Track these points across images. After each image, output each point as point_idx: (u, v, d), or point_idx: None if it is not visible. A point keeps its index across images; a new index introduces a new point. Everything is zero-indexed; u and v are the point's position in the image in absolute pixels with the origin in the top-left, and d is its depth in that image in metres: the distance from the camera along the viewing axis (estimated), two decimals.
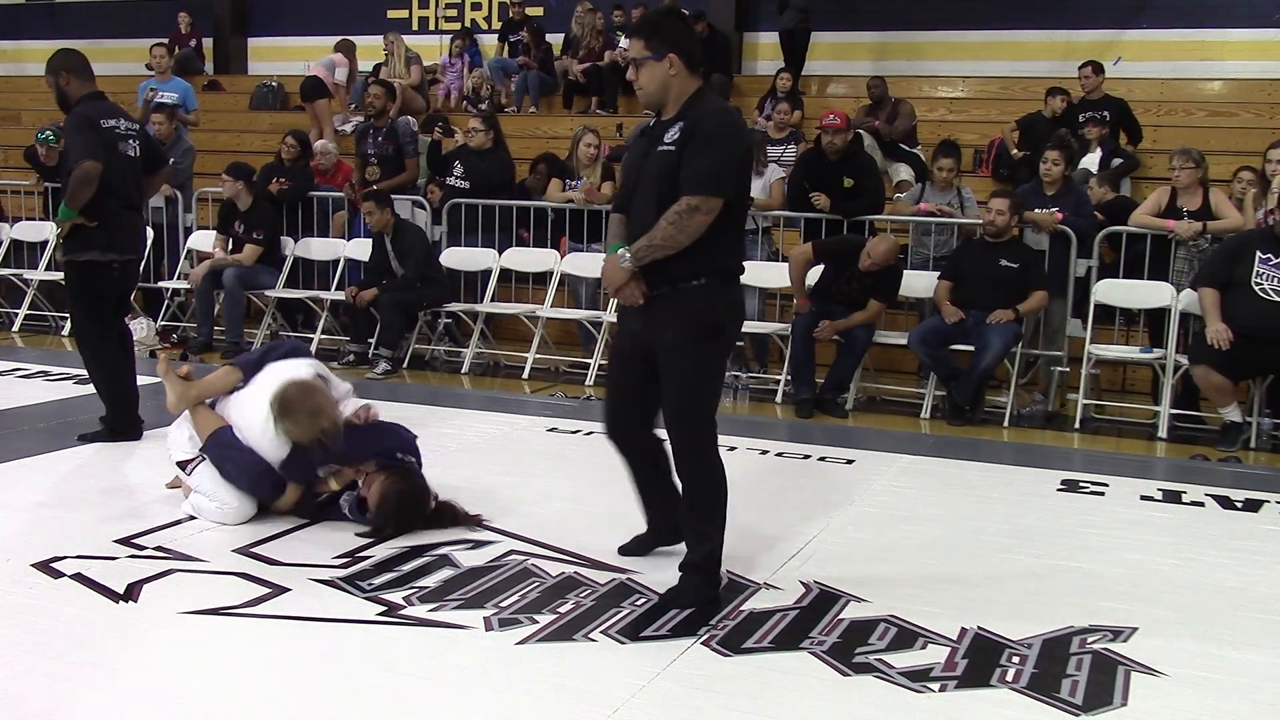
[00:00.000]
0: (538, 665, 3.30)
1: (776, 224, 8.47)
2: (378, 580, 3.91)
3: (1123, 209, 7.76)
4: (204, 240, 9.40)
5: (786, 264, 7.66)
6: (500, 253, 8.67)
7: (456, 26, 14.48)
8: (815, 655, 3.41)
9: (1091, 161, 9.20)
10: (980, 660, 3.41)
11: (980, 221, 7.30)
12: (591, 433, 5.91)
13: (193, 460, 4.51)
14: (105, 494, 4.85)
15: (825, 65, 12.89)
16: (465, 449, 5.81)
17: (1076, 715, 3.09)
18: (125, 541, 4.19)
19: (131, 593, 3.73)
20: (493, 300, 8.68)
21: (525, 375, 8.10)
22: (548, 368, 8.38)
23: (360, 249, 8.77)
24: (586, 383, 7.82)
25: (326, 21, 14.59)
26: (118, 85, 10.35)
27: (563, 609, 3.69)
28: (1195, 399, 7.05)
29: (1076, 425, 7.00)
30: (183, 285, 9.38)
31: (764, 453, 5.91)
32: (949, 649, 3.47)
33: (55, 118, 9.51)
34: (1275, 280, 6.43)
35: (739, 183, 3.72)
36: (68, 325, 8.74)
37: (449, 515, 4.49)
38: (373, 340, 8.17)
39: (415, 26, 14.98)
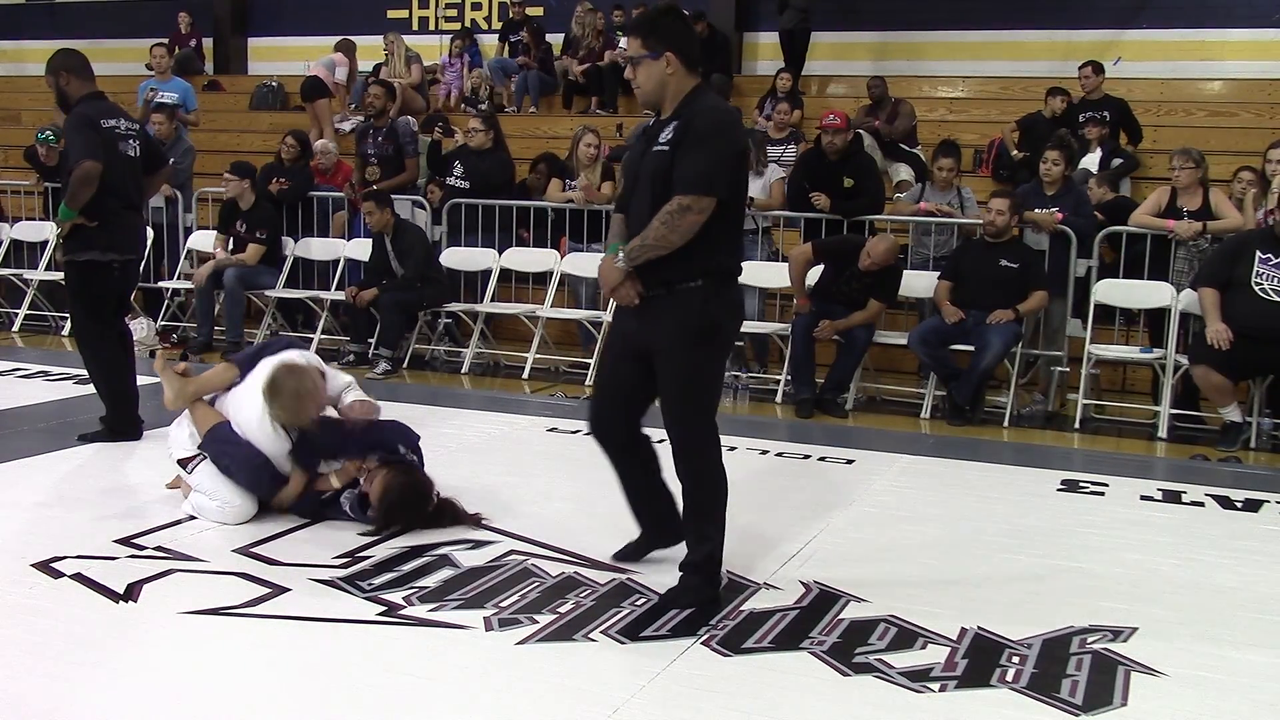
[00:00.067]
0: (538, 665, 3.30)
1: (776, 224, 8.47)
2: (378, 580, 3.91)
3: (1123, 209, 7.76)
4: (204, 240, 9.40)
5: (786, 264, 7.66)
6: (500, 253, 8.67)
7: (456, 26, 14.48)
8: (815, 655, 3.41)
9: (1091, 161, 9.19)
10: (980, 660, 3.41)
11: (980, 221, 7.30)
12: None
13: (193, 459, 4.51)
14: (105, 494, 4.85)
15: (825, 65, 12.89)
16: (465, 449, 5.81)
17: (1076, 715, 3.09)
18: (125, 541, 4.20)
19: (131, 593, 3.73)
20: (493, 300, 8.68)
21: (525, 375, 8.10)
22: (548, 368, 8.38)
23: (360, 249, 8.77)
24: (586, 383, 7.82)
25: (326, 21, 14.59)
26: (118, 85, 10.35)
27: (563, 609, 3.69)
28: (1195, 399, 7.05)
29: (1076, 425, 7.00)
30: (183, 285, 9.38)
31: (764, 453, 5.91)
32: (949, 649, 3.47)
33: (55, 118, 9.53)
34: (1275, 280, 6.43)
35: (733, 182, 3.66)
36: (68, 325, 8.74)
37: (449, 514, 4.50)
38: (373, 340, 8.17)
39: (415, 26, 14.98)
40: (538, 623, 3.58)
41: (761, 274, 7.87)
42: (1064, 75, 10.60)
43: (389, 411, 5.21)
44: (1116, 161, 9.31)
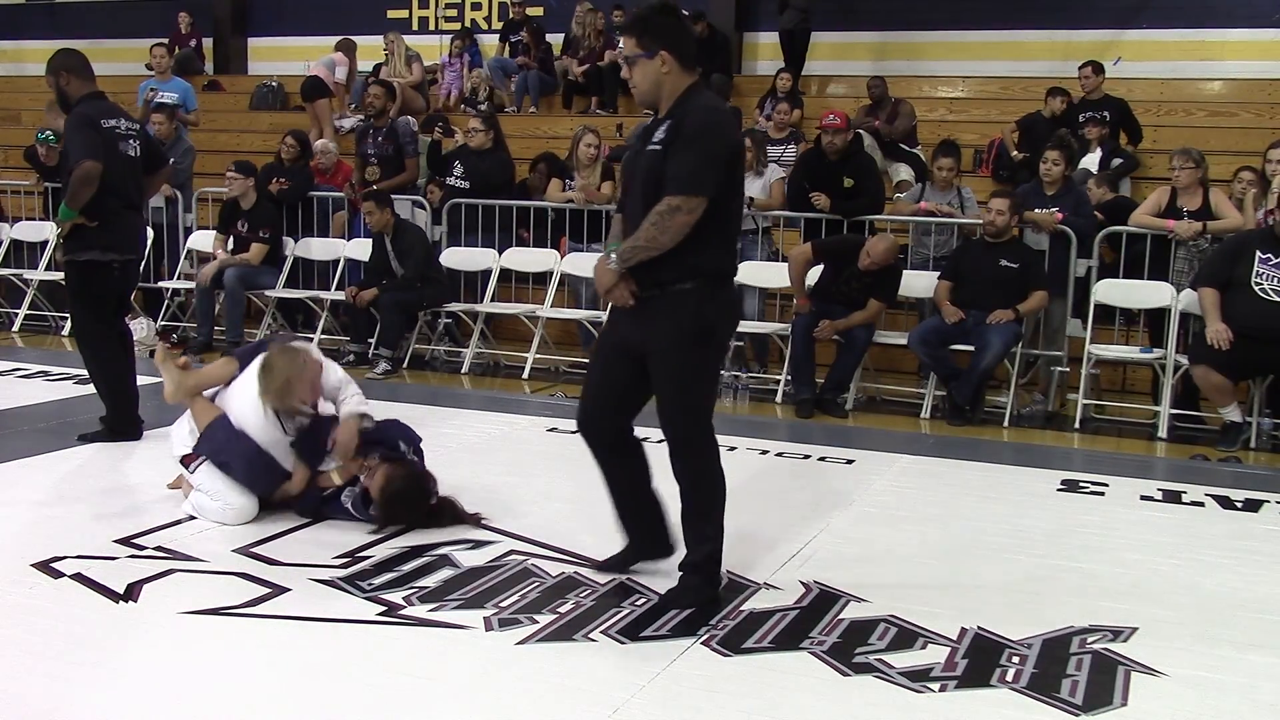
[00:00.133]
0: (538, 665, 3.30)
1: (776, 224, 8.47)
2: (378, 580, 3.91)
3: (1123, 209, 7.76)
4: (204, 240, 9.40)
5: (786, 264, 7.66)
6: (500, 253, 8.67)
7: (456, 26, 14.48)
8: (815, 655, 3.41)
9: (1091, 161, 9.19)
10: (980, 660, 3.41)
11: (980, 221, 7.30)
12: None
13: (196, 458, 4.51)
14: (105, 494, 4.85)
15: (825, 65, 12.88)
16: (465, 449, 5.81)
17: (1076, 715, 3.09)
18: (125, 541, 4.20)
19: (131, 593, 3.73)
20: (493, 300, 8.68)
21: (525, 375, 8.10)
22: (548, 368, 8.38)
23: (360, 249, 8.77)
24: None
25: (326, 21, 14.58)
26: (118, 85, 10.34)
27: (563, 609, 3.69)
28: (1195, 399, 7.05)
29: (1076, 425, 7.00)
30: (183, 285, 9.39)
31: (764, 453, 5.91)
32: (949, 649, 3.47)
33: (47, 119, 9.54)
34: (1275, 280, 6.43)
35: (725, 182, 3.58)
36: (68, 325, 8.74)
37: (449, 512, 4.50)
38: (373, 340, 8.17)
39: (415, 26, 14.97)
40: (538, 623, 3.58)
41: (761, 274, 7.88)
42: (1064, 75, 10.60)
43: (389, 412, 5.22)
44: (1116, 161, 9.31)
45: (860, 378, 7.48)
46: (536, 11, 14.05)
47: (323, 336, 8.76)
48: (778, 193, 8.19)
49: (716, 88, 11.33)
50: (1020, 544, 4.54)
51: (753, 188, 8.10)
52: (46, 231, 9.57)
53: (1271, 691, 3.29)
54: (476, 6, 14.99)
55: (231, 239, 8.96)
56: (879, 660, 3.38)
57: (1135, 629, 3.66)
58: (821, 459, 5.83)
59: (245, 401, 4.47)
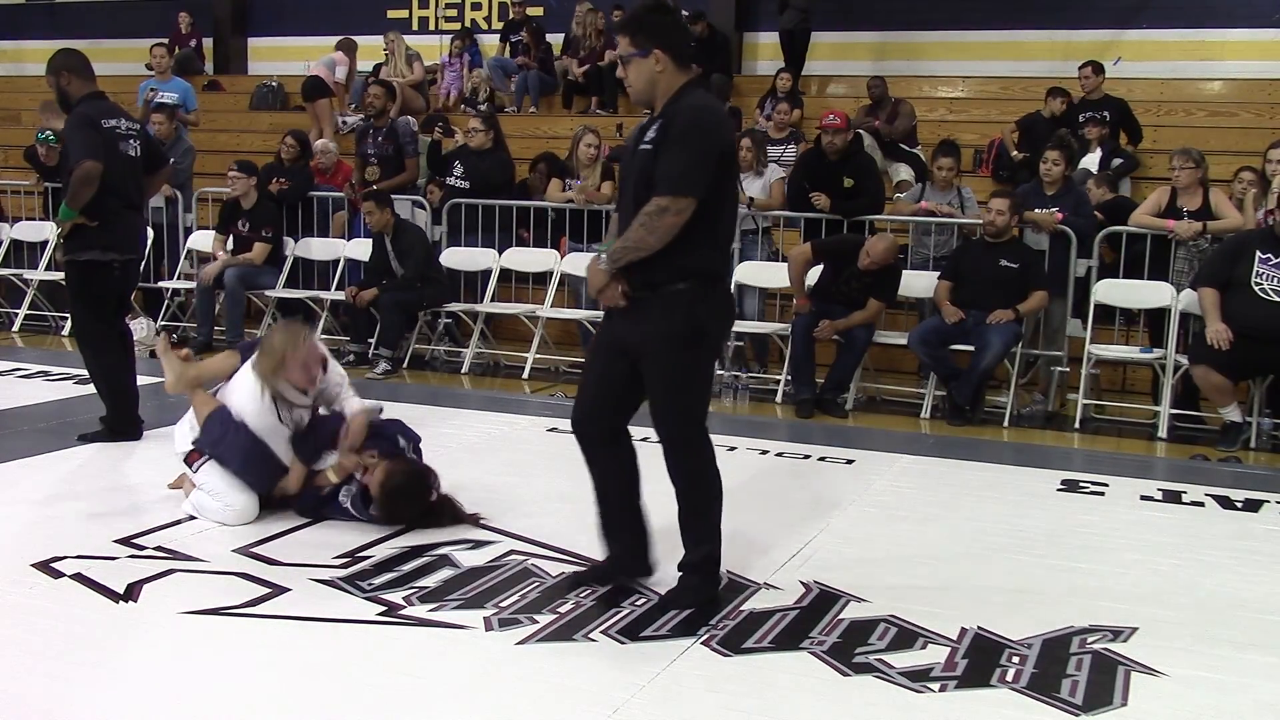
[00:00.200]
0: (538, 665, 3.30)
1: (776, 224, 8.47)
2: (378, 580, 3.91)
3: (1123, 209, 7.76)
4: (204, 240, 9.40)
5: (786, 264, 7.66)
6: (500, 253, 8.67)
7: (456, 26, 14.47)
8: (815, 655, 3.41)
9: (1091, 161, 9.19)
10: (980, 660, 3.41)
11: (980, 221, 7.30)
12: None
13: (199, 457, 4.50)
14: (105, 494, 4.85)
15: (825, 65, 12.88)
16: (465, 449, 5.81)
17: (1076, 715, 3.09)
18: (125, 541, 4.20)
19: (131, 593, 3.73)
20: (493, 300, 8.68)
21: (525, 375, 8.10)
22: (548, 368, 8.38)
23: (360, 249, 8.78)
24: None
25: (326, 21, 14.58)
26: (118, 85, 10.34)
27: (563, 609, 3.69)
28: (1195, 399, 7.05)
29: (1076, 425, 7.00)
30: (183, 285, 9.39)
31: (764, 453, 5.91)
32: (949, 649, 3.47)
33: (43, 120, 9.54)
34: (1275, 280, 6.43)
35: (715, 182, 3.52)
36: (68, 325, 8.74)
37: (449, 511, 4.50)
38: (373, 340, 8.17)
39: (415, 26, 14.97)
40: (538, 623, 3.58)
41: (761, 274, 7.88)
42: (1064, 75, 10.59)
43: (390, 412, 5.22)
44: (1116, 161, 9.31)
45: (860, 378, 7.48)
46: (536, 11, 14.05)
47: (323, 336, 8.74)
48: (778, 193, 8.19)
49: (717, 88, 11.34)
50: (1020, 544, 4.54)
51: (753, 188, 8.11)
52: (46, 231, 9.58)
53: (1271, 691, 3.29)
54: (476, 6, 14.99)
55: (231, 239, 8.96)
56: (879, 660, 3.38)
57: (1135, 629, 3.66)
58: (821, 459, 5.83)
59: (244, 389, 4.48)
